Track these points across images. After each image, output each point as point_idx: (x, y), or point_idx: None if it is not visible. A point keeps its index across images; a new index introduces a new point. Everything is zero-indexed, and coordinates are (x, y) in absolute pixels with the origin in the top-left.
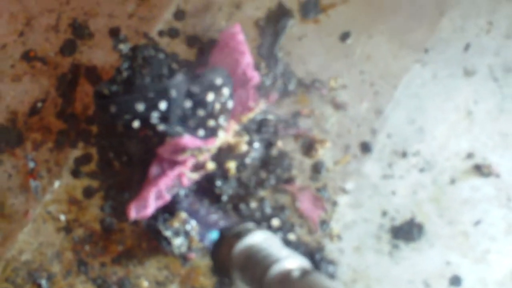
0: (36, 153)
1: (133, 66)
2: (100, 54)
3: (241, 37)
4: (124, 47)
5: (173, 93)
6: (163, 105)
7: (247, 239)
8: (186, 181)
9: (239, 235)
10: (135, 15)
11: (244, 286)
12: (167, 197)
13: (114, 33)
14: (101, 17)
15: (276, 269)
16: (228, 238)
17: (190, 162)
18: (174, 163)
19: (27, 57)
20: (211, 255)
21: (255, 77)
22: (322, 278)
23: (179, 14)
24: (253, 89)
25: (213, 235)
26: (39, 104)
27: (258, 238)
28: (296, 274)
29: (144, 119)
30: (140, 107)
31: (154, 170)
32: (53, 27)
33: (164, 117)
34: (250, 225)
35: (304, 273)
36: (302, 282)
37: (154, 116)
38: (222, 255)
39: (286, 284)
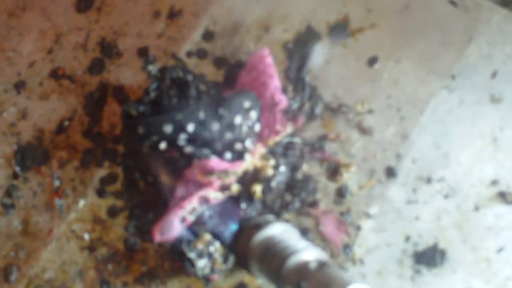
0: (62, 172)
1: (161, 87)
2: (128, 74)
3: (269, 60)
4: (153, 68)
5: (201, 115)
6: (190, 127)
7: (266, 230)
8: (212, 200)
9: (258, 227)
10: (164, 35)
11: (262, 277)
12: (191, 219)
13: (143, 53)
14: (130, 37)
15: (294, 260)
16: (247, 229)
17: (216, 184)
18: (200, 185)
19: (55, 75)
20: (231, 246)
21: (282, 100)
22: (339, 270)
23: (208, 35)
24: (280, 112)
25: (233, 227)
26: (66, 123)
27: (277, 230)
28: (313, 265)
29: (171, 140)
30: (168, 128)
31: (180, 191)
32: (82, 45)
33: (192, 139)
34: (269, 217)
35: (321, 265)
36: (319, 273)
37: (182, 138)
38: (241, 246)
39: (303, 275)
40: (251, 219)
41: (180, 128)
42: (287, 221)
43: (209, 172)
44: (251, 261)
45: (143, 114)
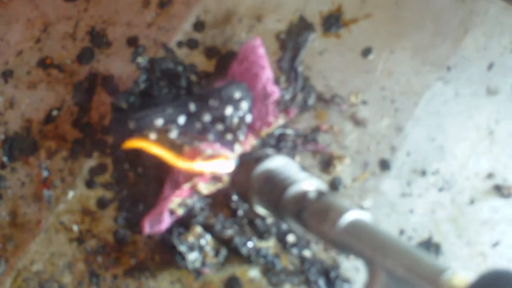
0: (50, 162)
1: (150, 79)
2: (117, 63)
3: (261, 50)
4: (142, 60)
5: (192, 107)
6: (181, 120)
7: (265, 163)
8: (203, 190)
9: (258, 160)
10: (154, 25)
11: (262, 209)
12: (180, 212)
13: (132, 42)
14: (120, 26)
15: (293, 190)
16: (247, 162)
17: (207, 174)
18: (189, 177)
19: (44, 64)
20: (230, 180)
21: (275, 92)
22: (337, 199)
23: (199, 25)
24: (272, 104)
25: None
26: (55, 112)
27: (277, 163)
28: (312, 195)
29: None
30: (159, 122)
31: (169, 185)
32: (71, 35)
33: (183, 131)
34: (269, 150)
35: (320, 194)
36: (318, 202)
37: (173, 130)
38: (240, 179)
39: (302, 205)
40: (251, 153)
41: (171, 121)
42: None
43: (198, 154)
44: (251, 194)
45: (133, 106)
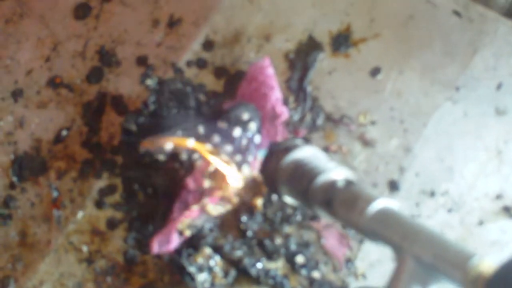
0: (60, 182)
1: (160, 100)
2: (127, 83)
3: (270, 71)
4: (151, 82)
5: (201, 129)
6: (191, 143)
7: (295, 152)
8: (212, 211)
9: (288, 150)
10: (163, 44)
11: (291, 197)
12: (188, 233)
13: (142, 61)
14: (129, 45)
15: (322, 179)
16: (276, 152)
17: (216, 195)
18: (199, 197)
19: (53, 83)
20: (260, 169)
21: (284, 113)
22: (365, 188)
23: (208, 45)
24: (281, 124)
25: (262, 153)
26: (64, 132)
27: (306, 152)
28: (341, 184)
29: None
30: (169, 146)
31: (178, 205)
32: (80, 54)
33: (192, 152)
34: (298, 141)
35: (349, 183)
36: (346, 191)
37: (183, 153)
38: (270, 168)
39: (331, 193)
40: (280, 143)
41: None
42: (288, 235)
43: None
44: (280, 183)
45: (143, 126)
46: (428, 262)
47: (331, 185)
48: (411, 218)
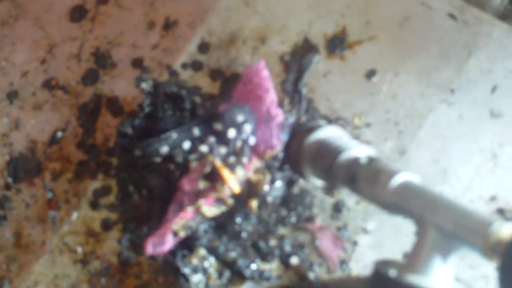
0: (55, 183)
1: (155, 102)
2: (122, 85)
3: (265, 73)
4: (146, 86)
5: (196, 131)
6: (187, 145)
7: (318, 132)
8: (207, 213)
9: (311, 130)
10: (159, 47)
11: (314, 176)
12: (183, 234)
13: (137, 64)
14: (124, 47)
15: (345, 156)
16: (300, 132)
17: (211, 196)
18: (194, 199)
19: (49, 85)
20: (284, 150)
21: (279, 115)
22: (387, 164)
23: (203, 47)
24: (276, 126)
25: (285, 135)
26: (59, 134)
27: (328, 132)
28: (363, 160)
29: (167, 156)
30: (165, 149)
31: (173, 207)
32: (76, 56)
33: (188, 154)
34: (321, 122)
35: (371, 160)
36: (369, 167)
37: (178, 155)
38: (293, 148)
39: (354, 170)
40: (303, 124)
41: (176, 146)
42: (282, 236)
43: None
44: (304, 162)
45: (139, 128)
46: (450, 231)
47: (354, 162)
48: (432, 190)
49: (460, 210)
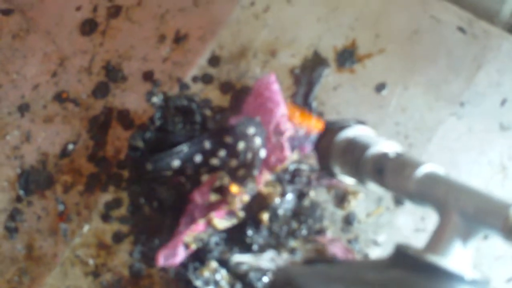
0: (66, 196)
1: (165, 115)
2: (133, 98)
3: (276, 87)
4: (157, 100)
5: (207, 145)
6: (198, 158)
7: (349, 130)
8: (218, 225)
9: (342, 128)
10: (169, 60)
11: (342, 170)
12: (194, 247)
13: (148, 77)
14: (135, 60)
15: (373, 150)
16: (331, 129)
17: (222, 209)
18: (205, 211)
19: (60, 98)
20: (314, 146)
21: (289, 129)
22: (414, 157)
23: (214, 60)
24: (286, 140)
25: (313, 137)
26: (70, 146)
27: (359, 130)
28: (391, 155)
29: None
30: (176, 163)
31: (185, 219)
32: (86, 69)
33: (199, 167)
34: (352, 120)
35: (399, 154)
36: (395, 160)
37: (189, 168)
38: (324, 143)
39: (381, 163)
40: (335, 121)
41: (187, 160)
42: (293, 249)
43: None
44: (333, 157)
45: (150, 142)
46: (471, 214)
47: (381, 156)
48: (455, 178)
49: (482, 194)
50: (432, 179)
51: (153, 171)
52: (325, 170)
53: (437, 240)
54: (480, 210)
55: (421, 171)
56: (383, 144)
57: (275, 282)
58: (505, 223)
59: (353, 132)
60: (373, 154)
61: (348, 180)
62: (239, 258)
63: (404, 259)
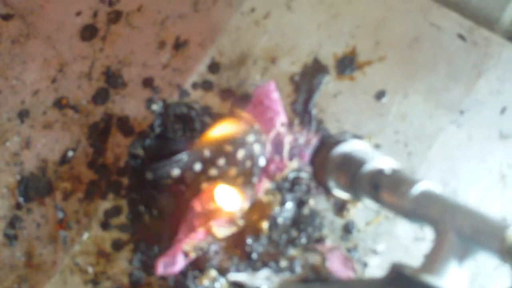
0: (66, 203)
1: (165, 123)
2: (133, 104)
3: (276, 95)
4: (157, 108)
5: (207, 153)
6: (198, 166)
7: (345, 144)
8: (218, 234)
9: (337, 142)
10: (169, 66)
11: (337, 185)
12: (193, 255)
13: (148, 83)
14: (135, 67)
15: (369, 166)
16: (327, 144)
17: (222, 217)
18: (205, 220)
19: (59, 104)
20: (310, 160)
21: (289, 137)
22: (409, 174)
23: (214, 67)
24: (286, 148)
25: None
26: (70, 153)
27: (355, 145)
28: (387, 171)
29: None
30: (176, 172)
31: (184, 227)
32: (86, 75)
33: (199, 175)
34: (348, 135)
35: (395, 171)
36: (391, 176)
37: (189, 176)
38: (320, 158)
39: (377, 179)
40: (330, 137)
41: (187, 168)
42: (292, 257)
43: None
44: (328, 171)
45: (150, 149)
46: (467, 235)
47: (377, 172)
48: (451, 197)
49: (478, 215)
50: (428, 198)
51: (153, 180)
52: (320, 184)
53: (433, 260)
54: (476, 231)
55: (417, 189)
56: (379, 160)
57: None
58: (501, 245)
59: (349, 146)
60: (369, 170)
61: (343, 195)
62: (235, 277)
63: (399, 278)
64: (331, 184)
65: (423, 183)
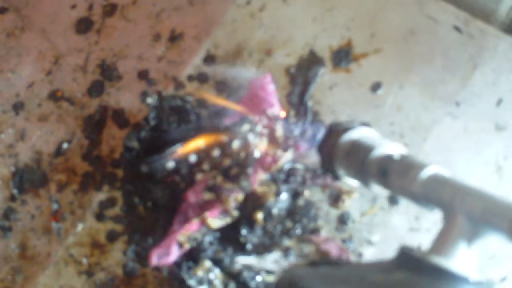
0: (60, 195)
1: (160, 115)
2: (128, 97)
3: (271, 87)
4: (151, 101)
5: (202, 144)
6: (193, 158)
7: (354, 131)
8: (212, 224)
9: (346, 129)
10: (165, 59)
11: (346, 172)
12: (187, 246)
13: (143, 76)
14: (130, 59)
15: (378, 152)
16: (336, 131)
17: (216, 208)
18: (199, 210)
19: (54, 96)
20: (318, 147)
21: (284, 129)
22: (418, 159)
23: (209, 59)
24: (281, 140)
25: (321, 134)
26: (65, 145)
27: (363, 132)
28: (396, 157)
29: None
30: (170, 164)
31: (178, 218)
32: (81, 67)
33: (193, 166)
34: (356, 123)
35: (403, 156)
36: (400, 161)
37: (183, 168)
38: (328, 145)
39: (386, 165)
40: (340, 123)
41: (182, 161)
42: (287, 248)
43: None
44: (337, 158)
45: (145, 141)
46: (478, 216)
47: (386, 158)
48: (460, 180)
49: (488, 196)
50: (437, 181)
51: (148, 173)
52: (329, 172)
53: (442, 242)
54: (486, 212)
55: (426, 172)
56: (387, 146)
57: (280, 284)
58: (511, 225)
59: (357, 134)
60: (377, 156)
61: (352, 182)
62: (244, 260)
63: (408, 260)
64: (340, 171)
65: (432, 167)
